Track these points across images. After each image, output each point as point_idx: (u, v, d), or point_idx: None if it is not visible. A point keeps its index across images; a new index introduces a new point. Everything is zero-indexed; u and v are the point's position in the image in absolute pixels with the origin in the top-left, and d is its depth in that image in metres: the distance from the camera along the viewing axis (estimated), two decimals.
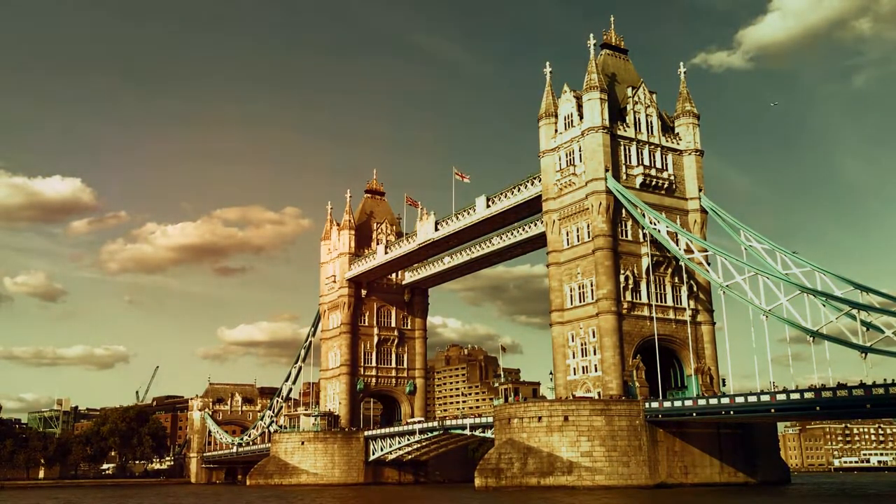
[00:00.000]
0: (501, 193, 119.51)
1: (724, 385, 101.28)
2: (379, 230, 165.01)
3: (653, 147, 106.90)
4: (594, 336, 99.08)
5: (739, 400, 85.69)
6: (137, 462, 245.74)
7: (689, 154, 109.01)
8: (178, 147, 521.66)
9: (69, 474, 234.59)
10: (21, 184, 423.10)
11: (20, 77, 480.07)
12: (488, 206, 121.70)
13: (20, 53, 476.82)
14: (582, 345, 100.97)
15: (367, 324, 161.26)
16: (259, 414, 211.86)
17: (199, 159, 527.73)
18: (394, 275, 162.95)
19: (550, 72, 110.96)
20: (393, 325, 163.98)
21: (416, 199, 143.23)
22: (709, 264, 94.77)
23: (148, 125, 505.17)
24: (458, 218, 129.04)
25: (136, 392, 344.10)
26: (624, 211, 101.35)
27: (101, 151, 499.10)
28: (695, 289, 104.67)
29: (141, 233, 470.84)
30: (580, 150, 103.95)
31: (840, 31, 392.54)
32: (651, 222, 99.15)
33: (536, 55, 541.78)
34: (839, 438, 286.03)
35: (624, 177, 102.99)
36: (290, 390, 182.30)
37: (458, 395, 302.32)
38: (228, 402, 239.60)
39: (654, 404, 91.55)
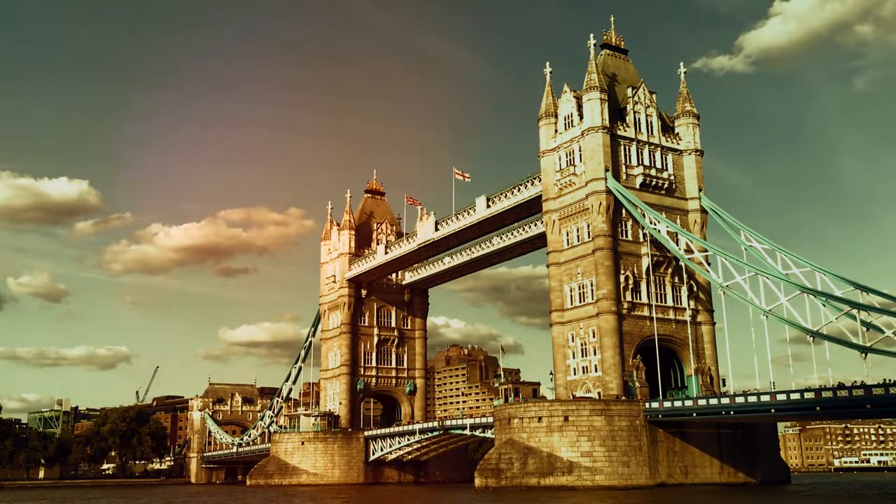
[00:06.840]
0: (501, 193, 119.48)
1: (724, 385, 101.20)
2: (379, 230, 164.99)
3: (653, 147, 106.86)
4: (594, 336, 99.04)
5: (739, 400, 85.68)
6: (137, 462, 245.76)
7: (689, 154, 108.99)
8: (184, 148, 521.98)
9: (69, 474, 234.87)
10: (27, 185, 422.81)
11: (26, 79, 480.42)
12: (488, 206, 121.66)
13: (26, 55, 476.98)
14: (582, 345, 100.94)
15: (367, 324, 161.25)
16: (259, 414, 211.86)
17: (204, 161, 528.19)
18: (394, 275, 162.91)
19: (550, 72, 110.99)
20: (393, 325, 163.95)
21: (416, 199, 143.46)
22: (709, 264, 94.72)
23: (154, 127, 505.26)
24: (458, 218, 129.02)
25: (137, 392, 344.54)
26: (624, 211, 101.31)
27: (107, 153, 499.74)
28: (695, 289, 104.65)
29: (145, 234, 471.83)
30: (580, 150, 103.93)
31: (841, 35, 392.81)
32: (651, 222, 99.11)
33: (536, 55, 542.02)
34: (839, 438, 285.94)
35: (624, 177, 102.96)
36: (291, 390, 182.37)
37: (458, 396, 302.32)
38: (228, 403, 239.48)
39: (655, 404, 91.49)
